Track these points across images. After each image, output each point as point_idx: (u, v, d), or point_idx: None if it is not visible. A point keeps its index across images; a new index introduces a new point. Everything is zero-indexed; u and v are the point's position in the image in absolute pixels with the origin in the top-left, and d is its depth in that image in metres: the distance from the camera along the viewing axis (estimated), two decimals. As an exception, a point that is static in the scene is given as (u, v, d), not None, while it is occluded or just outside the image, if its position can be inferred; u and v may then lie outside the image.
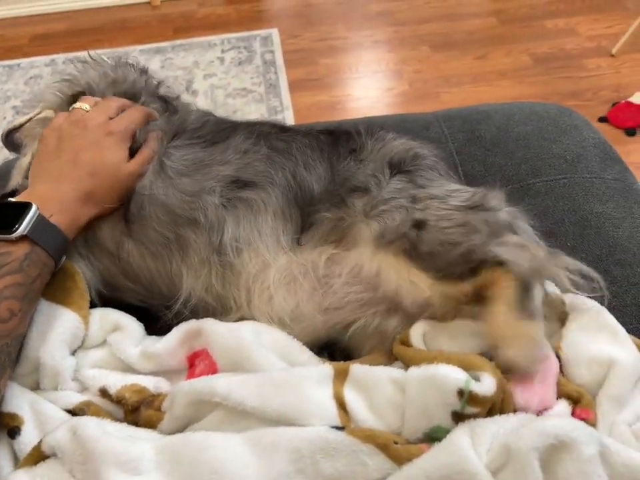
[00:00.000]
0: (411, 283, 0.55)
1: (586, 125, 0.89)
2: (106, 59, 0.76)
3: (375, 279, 0.58)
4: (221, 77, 2.31)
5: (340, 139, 0.68)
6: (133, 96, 0.71)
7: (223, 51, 2.46)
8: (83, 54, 0.78)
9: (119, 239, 0.63)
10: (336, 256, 0.60)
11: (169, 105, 0.73)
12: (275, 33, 2.55)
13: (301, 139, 0.67)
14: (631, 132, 1.91)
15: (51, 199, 0.58)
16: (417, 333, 0.55)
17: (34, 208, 0.55)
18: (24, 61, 2.49)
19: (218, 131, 0.68)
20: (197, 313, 0.61)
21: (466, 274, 0.54)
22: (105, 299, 0.64)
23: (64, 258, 0.60)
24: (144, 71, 0.77)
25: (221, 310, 0.62)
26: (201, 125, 0.69)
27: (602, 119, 1.95)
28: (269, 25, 2.63)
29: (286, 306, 0.59)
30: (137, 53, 2.44)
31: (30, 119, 0.77)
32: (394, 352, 0.54)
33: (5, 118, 2.20)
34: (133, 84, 0.73)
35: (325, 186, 0.63)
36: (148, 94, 0.72)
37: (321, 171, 0.64)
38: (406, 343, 0.54)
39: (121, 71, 0.74)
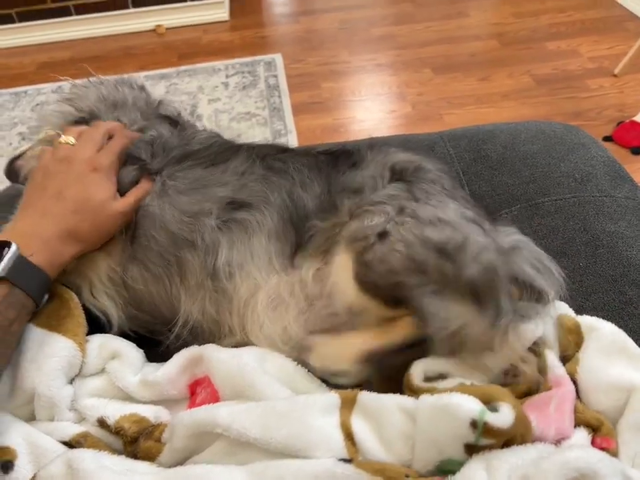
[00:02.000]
0: (345, 283, 0.54)
1: (593, 143, 0.88)
2: (107, 78, 0.76)
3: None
4: (225, 102, 2.32)
5: (340, 157, 0.66)
6: (134, 120, 0.71)
7: (227, 76, 2.48)
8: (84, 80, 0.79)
9: (125, 263, 0.62)
10: (321, 272, 0.58)
11: (176, 122, 0.72)
12: (278, 57, 2.58)
13: (299, 158, 0.66)
14: (636, 151, 1.90)
15: (33, 235, 0.56)
16: (417, 371, 0.51)
17: (13, 248, 0.53)
18: (30, 88, 2.53)
19: (221, 152, 0.67)
20: (196, 336, 0.60)
21: (387, 301, 0.52)
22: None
23: (46, 297, 0.58)
24: (142, 88, 0.77)
25: (217, 334, 0.60)
26: (209, 145, 0.69)
27: (607, 138, 1.95)
28: (272, 50, 2.67)
29: (275, 329, 0.58)
30: (142, 79, 2.46)
31: (31, 147, 0.77)
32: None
33: (11, 144, 2.22)
34: (134, 104, 0.72)
35: (320, 201, 0.62)
36: (150, 116, 0.71)
37: (317, 189, 0.62)
38: (412, 388, 0.50)
39: (122, 90, 0.74)
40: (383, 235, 0.53)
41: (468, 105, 2.20)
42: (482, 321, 0.49)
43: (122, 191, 0.63)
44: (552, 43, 2.51)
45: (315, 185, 0.63)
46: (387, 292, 0.52)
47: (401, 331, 0.51)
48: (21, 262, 0.53)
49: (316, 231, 0.60)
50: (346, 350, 0.54)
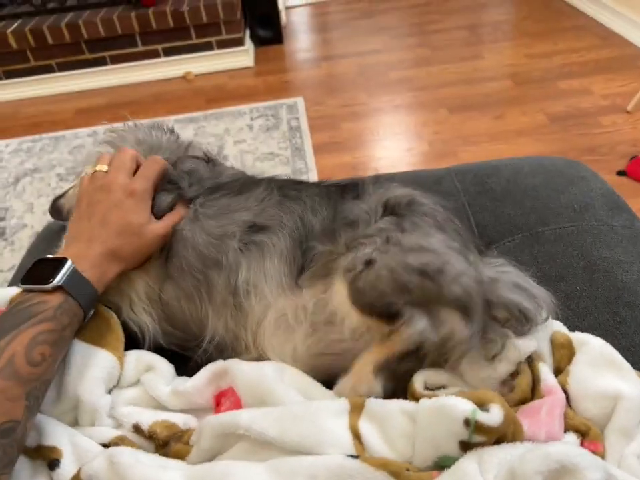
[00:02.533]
0: (347, 310, 0.59)
1: (593, 177, 0.93)
2: (141, 122, 0.85)
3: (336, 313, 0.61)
4: (250, 143, 2.44)
5: (347, 188, 0.73)
6: (166, 158, 0.79)
7: (251, 119, 2.61)
8: (120, 124, 0.88)
9: (161, 282, 0.69)
10: (321, 299, 0.63)
11: (209, 157, 0.81)
12: (300, 101, 2.70)
13: (312, 188, 0.73)
14: (650, 184, 1.93)
15: (83, 256, 0.63)
16: (419, 380, 0.57)
17: (69, 262, 0.61)
18: (68, 133, 2.69)
19: (246, 184, 0.75)
20: (220, 351, 0.66)
21: (385, 318, 0.58)
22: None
23: (92, 311, 0.65)
24: (172, 131, 0.85)
25: (238, 350, 0.66)
26: (236, 179, 0.77)
27: (620, 173, 1.99)
28: (294, 94, 2.80)
29: (284, 350, 0.64)
30: (171, 123, 2.61)
31: (73, 186, 0.86)
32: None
33: (49, 185, 2.36)
34: (167, 146, 0.81)
35: (325, 225, 0.68)
36: (181, 154, 0.80)
37: (325, 213, 0.69)
38: (414, 394, 0.55)
39: (155, 134, 0.83)
40: (369, 263, 0.59)
41: (483, 142, 2.27)
42: (468, 328, 0.54)
43: (159, 215, 0.71)
44: (565, 82, 2.58)
45: (324, 210, 0.69)
46: (382, 310, 0.58)
47: (400, 340, 0.56)
48: (75, 275, 0.61)
49: (315, 253, 0.65)
50: (363, 372, 0.59)
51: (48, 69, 3.08)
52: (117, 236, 0.66)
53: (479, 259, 0.63)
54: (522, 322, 0.57)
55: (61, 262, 0.61)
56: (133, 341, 0.69)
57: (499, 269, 0.62)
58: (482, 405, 0.48)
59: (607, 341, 0.61)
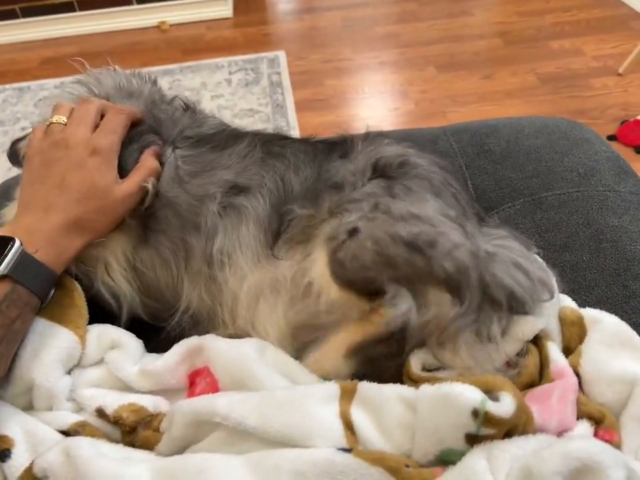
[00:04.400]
0: (325, 282, 0.53)
1: (597, 139, 0.87)
2: (120, 70, 0.75)
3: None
4: (228, 98, 2.32)
5: (336, 145, 0.65)
6: (151, 108, 0.70)
7: (230, 73, 2.48)
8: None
9: (137, 247, 0.61)
10: (299, 270, 0.57)
11: (187, 105, 0.72)
12: (281, 54, 2.58)
13: (297, 145, 0.66)
14: (640, 149, 1.89)
15: (37, 231, 0.54)
16: (416, 360, 0.51)
17: (17, 244, 0.51)
18: (33, 84, 2.53)
19: (230, 137, 0.67)
20: (196, 323, 0.60)
21: (365, 294, 0.52)
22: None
23: (52, 292, 0.57)
24: (154, 82, 0.75)
25: (213, 324, 0.60)
26: (220, 131, 0.68)
27: (611, 137, 1.94)
28: (275, 47, 2.67)
29: (264, 326, 0.57)
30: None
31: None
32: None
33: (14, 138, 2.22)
34: (150, 96, 0.71)
35: (306, 186, 0.61)
36: (164, 103, 0.71)
37: (308, 173, 0.62)
38: (412, 377, 0.50)
39: (136, 81, 0.73)
40: (353, 232, 0.52)
41: (471, 103, 2.20)
42: (458, 310, 0.48)
43: (127, 172, 0.61)
44: (556, 42, 2.50)
45: (307, 169, 0.62)
46: (362, 286, 0.51)
47: (379, 320, 0.50)
48: (25, 259, 0.51)
49: (293, 217, 0.58)
50: (333, 349, 0.54)
51: (11, 15, 2.87)
52: (79, 202, 0.57)
53: (477, 228, 0.56)
54: (513, 310, 0.50)
55: (7, 242, 0.51)
56: (104, 314, 0.62)
57: (499, 242, 0.55)
58: (490, 392, 0.43)
59: (616, 316, 0.56)
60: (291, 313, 0.57)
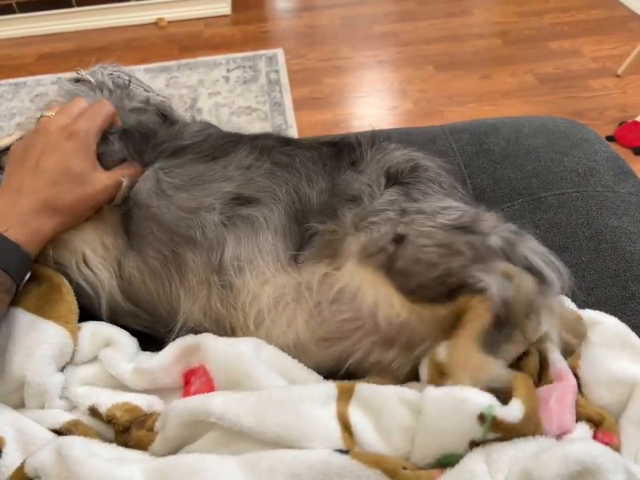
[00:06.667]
0: (386, 300, 0.51)
1: (597, 139, 0.87)
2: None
3: (355, 298, 0.53)
4: (226, 96, 2.31)
5: (343, 151, 0.65)
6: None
7: (228, 70, 2.47)
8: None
9: (122, 250, 0.60)
10: (327, 277, 0.56)
11: (166, 117, 0.70)
12: (280, 52, 2.56)
13: (304, 152, 0.65)
14: (638, 151, 1.89)
15: (9, 212, 0.55)
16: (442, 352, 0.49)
17: None
18: (30, 79, 2.51)
19: (220, 145, 0.65)
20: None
21: (442, 297, 0.49)
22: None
23: (28, 274, 0.56)
24: (127, 86, 0.73)
25: (221, 334, 0.57)
26: (203, 139, 0.66)
27: (609, 138, 1.94)
28: (273, 44, 2.65)
29: (283, 336, 0.56)
30: (142, 71, 2.45)
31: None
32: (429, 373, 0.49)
33: (10, 135, 2.20)
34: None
35: (323, 199, 0.61)
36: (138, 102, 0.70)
37: (322, 185, 0.61)
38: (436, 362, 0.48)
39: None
40: (399, 239, 0.52)
41: (469, 103, 2.19)
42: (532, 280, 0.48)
43: (108, 165, 0.62)
44: (555, 43, 2.50)
45: (320, 179, 0.62)
46: (437, 288, 0.49)
47: (476, 316, 0.47)
48: None
49: (313, 232, 0.58)
50: (471, 357, 0.47)
51: (7, 10, 2.84)
52: (53, 184, 0.57)
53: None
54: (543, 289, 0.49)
55: None
56: (87, 312, 0.61)
57: (514, 229, 0.55)
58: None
59: (616, 317, 0.56)
60: (316, 321, 0.55)
